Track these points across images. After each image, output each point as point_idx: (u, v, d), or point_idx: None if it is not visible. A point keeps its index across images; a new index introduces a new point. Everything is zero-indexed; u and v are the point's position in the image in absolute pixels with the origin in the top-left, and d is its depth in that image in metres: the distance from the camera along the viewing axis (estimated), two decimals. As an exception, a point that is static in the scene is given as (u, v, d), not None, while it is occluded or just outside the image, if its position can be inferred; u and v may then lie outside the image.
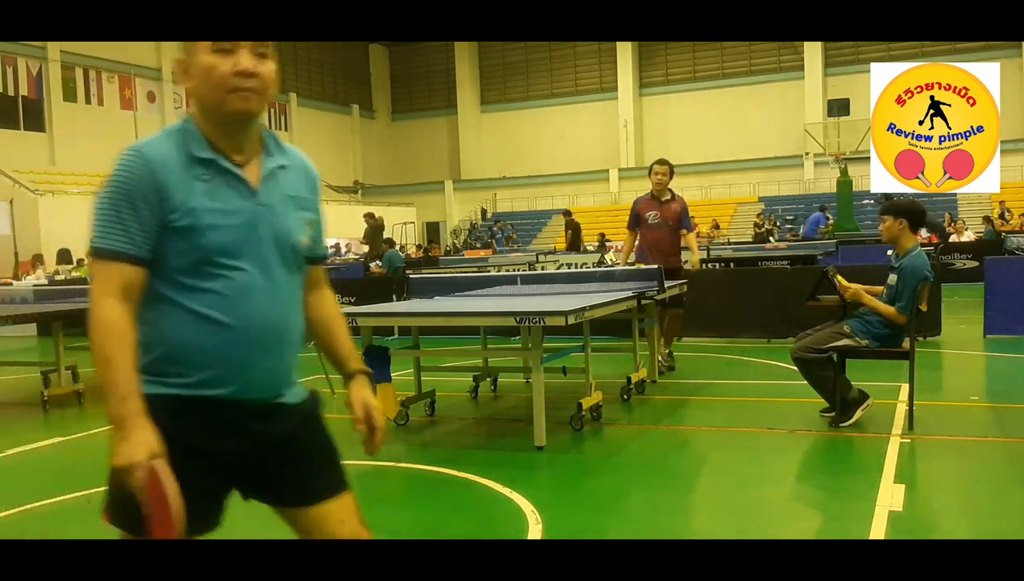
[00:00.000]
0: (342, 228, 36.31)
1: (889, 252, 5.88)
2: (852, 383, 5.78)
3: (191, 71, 2.04)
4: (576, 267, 17.18)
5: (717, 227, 33.99)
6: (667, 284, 6.99)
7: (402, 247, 21.24)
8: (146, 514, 1.96)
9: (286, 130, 42.34)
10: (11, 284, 17.11)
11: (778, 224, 31.04)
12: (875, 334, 5.64)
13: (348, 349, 2.41)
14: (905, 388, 5.98)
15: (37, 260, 20.60)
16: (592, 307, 5.47)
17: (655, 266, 7.18)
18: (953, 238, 20.19)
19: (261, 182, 2.07)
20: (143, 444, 1.89)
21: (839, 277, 5.82)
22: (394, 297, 10.98)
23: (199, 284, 1.98)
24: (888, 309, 5.57)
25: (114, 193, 1.94)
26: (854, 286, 5.71)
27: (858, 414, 5.68)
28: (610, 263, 16.23)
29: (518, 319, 5.20)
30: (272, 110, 41.49)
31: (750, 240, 27.43)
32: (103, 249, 1.93)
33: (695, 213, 35.36)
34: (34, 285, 14.38)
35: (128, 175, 1.94)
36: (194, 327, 1.99)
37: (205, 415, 2.05)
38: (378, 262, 18.86)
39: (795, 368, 5.85)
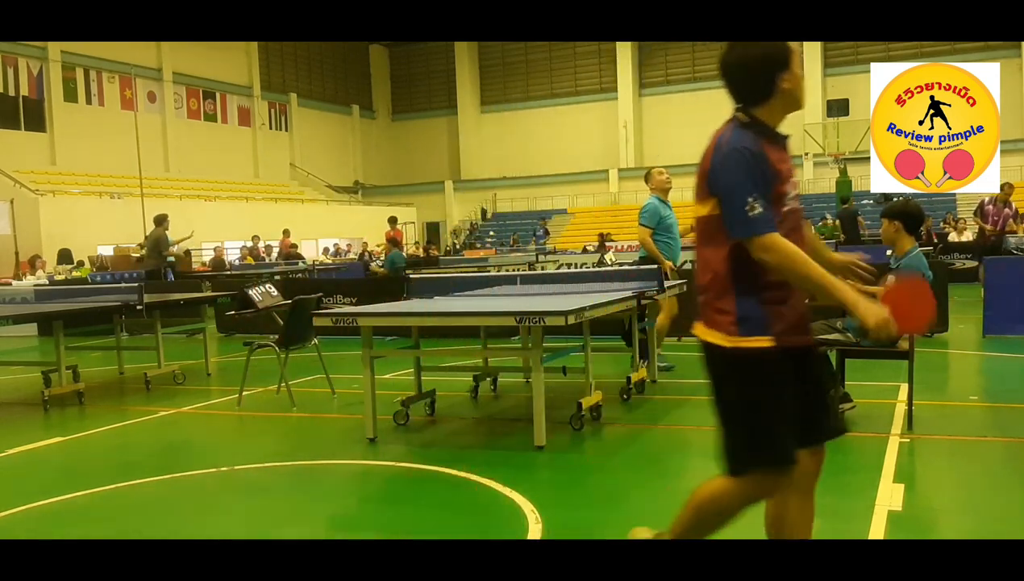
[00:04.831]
0: (342, 228, 36.32)
1: (888, 253, 5.90)
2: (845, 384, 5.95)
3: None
4: (576, 267, 17.17)
5: None
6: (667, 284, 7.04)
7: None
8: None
9: (286, 130, 42.31)
10: (11, 284, 17.10)
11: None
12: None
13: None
14: (904, 388, 5.98)
15: (34, 261, 20.53)
16: (592, 307, 5.47)
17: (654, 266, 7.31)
18: (952, 238, 20.21)
19: None
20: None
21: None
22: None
23: None
24: None
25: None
26: None
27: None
28: (610, 263, 16.22)
29: (518, 319, 5.20)
30: (272, 110, 41.47)
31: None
32: None
33: (695, 213, 35.66)
34: (35, 285, 14.37)
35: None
36: None
37: None
38: (379, 261, 18.83)
39: None
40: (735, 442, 2.66)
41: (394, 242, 19.60)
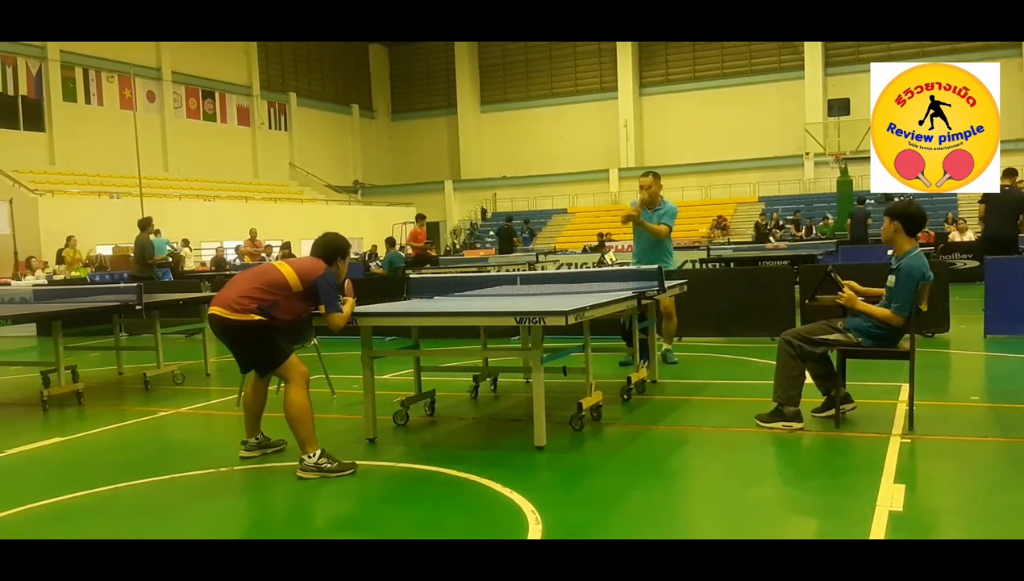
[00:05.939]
0: (342, 228, 36.31)
1: (889, 252, 5.90)
2: (846, 384, 5.91)
3: None
4: (576, 267, 17.14)
5: (723, 227, 34.03)
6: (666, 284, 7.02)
7: (402, 247, 21.11)
8: None
9: (286, 130, 42.31)
10: (10, 284, 17.09)
11: (781, 224, 31.05)
12: (870, 333, 5.70)
13: None
14: (905, 388, 5.98)
15: (29, 262, 20.45)
16: (592, 307, 5.46)
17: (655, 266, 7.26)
18: (954, 238, 20.23)
19: None
20: None
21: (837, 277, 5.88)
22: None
23: None
24: (883, 312, 5.62)
25: None
26: (848, 293, 5.76)
27: (833, 411, 5.79)
28: (610, 263, 16.21)
29: (518, 319, 5.20)
30: (272, 110, 41.47)
31: (750, 240, 27.43)
32: None
33: (695, 213, 35.02)
34: (33, 285, 14.36)
35: None
36: None
37: None
38: (378, 262, 18.79)
39: None
40: None
41: (391, 242, 19.60)
